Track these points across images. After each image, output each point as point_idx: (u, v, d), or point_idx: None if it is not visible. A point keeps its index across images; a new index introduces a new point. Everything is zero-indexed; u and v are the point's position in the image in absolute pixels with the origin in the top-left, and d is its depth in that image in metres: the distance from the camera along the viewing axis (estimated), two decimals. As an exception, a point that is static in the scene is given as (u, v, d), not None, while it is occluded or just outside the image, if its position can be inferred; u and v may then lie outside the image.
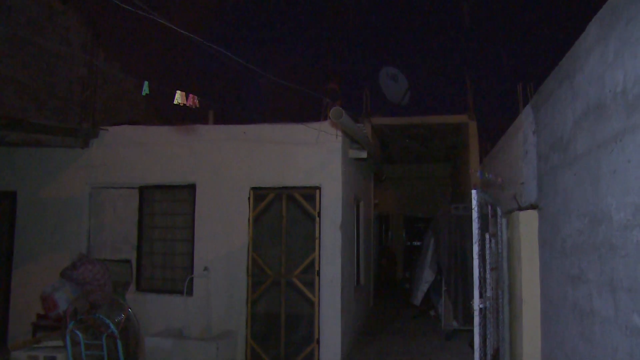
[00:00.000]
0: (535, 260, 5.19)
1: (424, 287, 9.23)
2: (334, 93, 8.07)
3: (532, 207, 5.27)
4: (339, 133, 7.15)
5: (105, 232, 7.77)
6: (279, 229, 7.19)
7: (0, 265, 7.69)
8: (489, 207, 5.51)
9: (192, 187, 7.43)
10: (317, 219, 7.03)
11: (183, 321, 7.14)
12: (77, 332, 5.33)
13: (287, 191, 7.14)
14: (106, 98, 9.47)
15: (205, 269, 7.19)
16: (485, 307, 4.81)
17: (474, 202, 4.47)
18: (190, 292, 7.18)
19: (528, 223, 5.29)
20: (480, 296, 4.52)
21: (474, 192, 4.48)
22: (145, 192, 7.64)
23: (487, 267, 5.12)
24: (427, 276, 9.11)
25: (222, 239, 7.24)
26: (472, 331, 4.60)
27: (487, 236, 5.28)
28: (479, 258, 4.48)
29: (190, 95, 4.37)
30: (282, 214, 7.15)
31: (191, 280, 7.20)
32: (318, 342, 6.89)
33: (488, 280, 5.09)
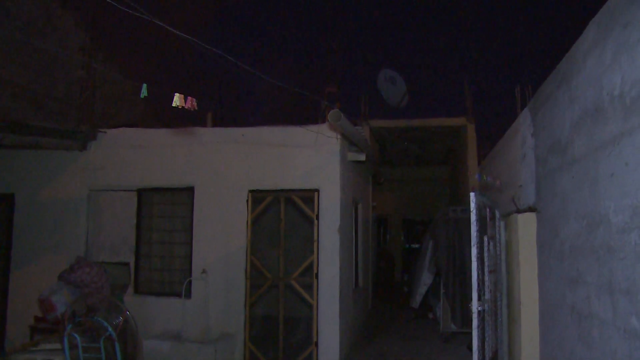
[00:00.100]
0: (534, 262, 5.20)
1: (422, 289, 9.23)
2: (332, 96, 8.08)
3: (531, 209, 5.28)
4: (338, 136, 7.15)
5: (103, 234, 7.76)
6: (278, 231, 7.19)
7: (-3, 268, 7.67)
8: (488, 210, 5.51)
9: (190, 190, 7.42)
10: (316, 221, 7.03)
11: (181, 324, 7.13)
12: (75, 334, 5.32)
13: (285, 194, 7.14)
14: (104, 100, 9.46)
15: (204, 271, 7.18)
16: (483, 310, 4.81)
17: (473, 205, 4.47)
18: (188, 295, 7.17)
19: (526, 226, 5.29)
20: (479, 299, 4.52)
21: (472, 194, 4.49)
22: (144, 195, 7.63)
23: (486, 269, 5.12)
24: (426, 279, 9.11)
25: (221, 241, 7.23)
26: (470, 334, 4.60)
27: (485, 239, 5.28)
28: (477, 261, 4.49)
29: (189, 98, 4.37)
30: (281, 216, 7.15)
31: (189, 282, 7.19)
32: (316, 344, 6.88)
33: (486, 283, 5.09)
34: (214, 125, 8.32)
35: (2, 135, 6.58)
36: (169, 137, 7.60)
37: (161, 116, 11.67)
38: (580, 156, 3.72)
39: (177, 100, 4.30)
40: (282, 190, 7.16)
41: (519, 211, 5.63)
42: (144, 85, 4.04)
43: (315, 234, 7.02)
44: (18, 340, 6.87)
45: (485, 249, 5.24)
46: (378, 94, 11.33)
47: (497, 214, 5.96)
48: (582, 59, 3.66)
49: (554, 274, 4.51)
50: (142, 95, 4.09)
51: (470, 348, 5.32)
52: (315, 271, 6.96)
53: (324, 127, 7.14)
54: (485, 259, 5.14)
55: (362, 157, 7.99)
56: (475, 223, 4.45)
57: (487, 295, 5.09)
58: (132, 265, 7.54)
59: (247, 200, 7.18)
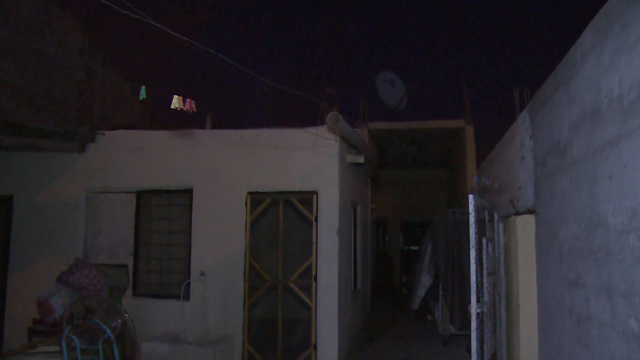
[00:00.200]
0: (532, 265, 5.20)
1: (421, 291, 9.22)
2: (331, 98, 8.08)
3: (529, 211, 5.28)
4: (336, 138, 7.16)
5: (102, 236, 7.75)
6: (276, 233, 7.19)
7: (-4, 270, 7.66)
8: (486, 212, 5.51)
9: (189, 192, 7.42)
10: (315, 223, 7.03)
11: (180, 326, 7.12)
12: (73, 337, 5.30)
13: (284, 196, 7.14)
14: (103, 102, 9.46)
15: (202, 273, 7.17)
16: (482, 312, 4.81)
17: (471, 207, 4.48)
18: (187, 297, 7.16)
19: (525, 228, 5.29)
20: (478, 301, 4.52)
21: (471, 196, 4.49)
22: (143, 197, 7.62)
23: (485, 271, 5.12)
24: (425, 281, 9.10)
25: (219, 243, 7.22)
26: (469, 336, 4.60)
27: (484, 241, 5.29)
28: (476, 263, 4.49)
29: (188, 100, 4.38)
30: (280, 218, 7.15)
31: (188, 285, 7.18)
32: (315, 347, 6.88)
33: (485, 285, 5.09)
34: (213, 127, 8.32)
35: (1, 137, 6.58)
36: (167, 139, 7.60)
37: (160, 118, 11.67)
38: (578, 158, 3.72)
39: (175, 102, 4.31)
40: (281, 192, 7.16)
41: (517, 213, 5.63)
42: (143, 88, 4.05)
43: (314, 236, 7.01)
44: (16, 343, 6.85)
45: (484, 251, 5.24)
46: (377, 96, 11.35)
47: (496, 216, 5.96)
48: (581, 61, 3.67)
49: (553, 276, 4.51)
50: (140, 98, 4.10)
51: (469, 350, 5.31)
52: (314, 273, 6.95)
53: (322, 130, 7.14)
54: (484, 261, 5.14)
55: (361, 159, 8.00)
56: (473, 225, 4.45)
57: (486, 298, 5.09)
58: (130, 267, 7.53)
59: (246, 202, 7.18)
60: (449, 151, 14.16)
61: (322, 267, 6.97)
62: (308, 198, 7.11)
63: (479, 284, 4.72)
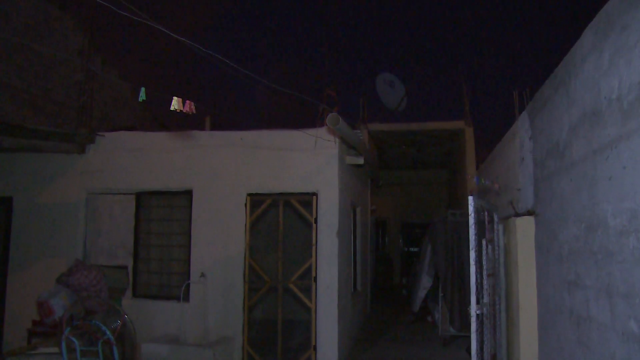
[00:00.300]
0: (532, 266, 5.20)
1: (421, 293, 9.23)
2: (331, 99, 8.08)
3: (529, 213, 5.28)
4: (336, 139, 7.16)
5: (101, 238, 7.75)
6: (276, 235, 7.18)
7: (-5, 271, 7.65)
8: (486, 213, 5.51)
9: (188, 193, 7.42)
10: (314, 225, 7.03)
11: (180, 327, 7.11)
12: (73, 338, 5.30)
13: (284, 197, 7.14)
14: (103, 104, 9.47)
15: (202, 275, 7.17)
16: (482, 313, 4.81)
17: (471, 208, 4.47)
18: (187, 298, 7.15)
19: (525, 229, 5.29)
20: (477, 302, 4.52)
21: (470, 198, 4.49)
22: (142, 198, 7.62)
23: (484, 273, 5.12)
24: (425, 282, 9.11)
25: (219, 245, 7.22)
26: (469, 337, 4.60)
27: (484, 242, 5.29)
28: (475, 264, 4.49)
29: (187, 101, 4.38)
30: (279, 220, 7.14)
31: (188, 286, 7.18)
32: (315, 348, 6.87)
33: (485, 286, 5.09)
34: (212, 128, 8.32)
35: (1, 138, 6.58)
36: (167, 140, 7.60)
37: (159, 120, 11.67)
38: (578, 159, 3.72)
39: (175, 103, 4.30)
40: (280, 194, 7.16)
41: (517, 214, 5.63)
42: (142, 89, 4.04)
43: (314, 238, 7.01)
44: (16, 344, 6.85)
45: (484, 252, 5.24)
46: (377, 97, 11.36)
47: (496, 218, 5.96)
48: (580, 62, 3.67)
49: (553, 277, 4.51)
50: (140, 99, 4.10)
51: (469, 351, 5.31)
52: (313, 274, 6.95)
53: (322, 131, 7.14)
54: (484, 263, 5.14)
55: (361, 161, 8.00)
56: (473, 226, 4.45)
57: (486, 299, 5.09)
58: (130, 268, 7.52)
59: (246, 204, 7.18)
60: (448, 152, 14.17)
61: (322, 269, 6.97)
62: (308, 199, 7.11)
63: (479, 285, 4.72)
